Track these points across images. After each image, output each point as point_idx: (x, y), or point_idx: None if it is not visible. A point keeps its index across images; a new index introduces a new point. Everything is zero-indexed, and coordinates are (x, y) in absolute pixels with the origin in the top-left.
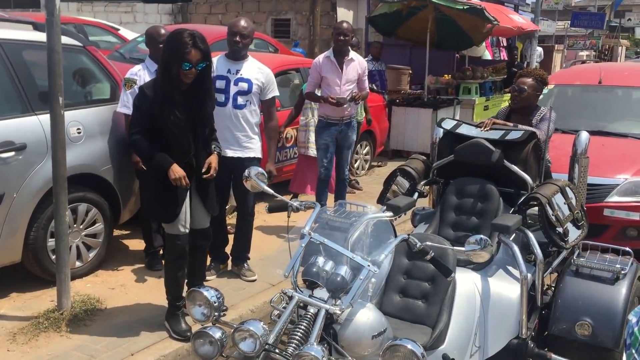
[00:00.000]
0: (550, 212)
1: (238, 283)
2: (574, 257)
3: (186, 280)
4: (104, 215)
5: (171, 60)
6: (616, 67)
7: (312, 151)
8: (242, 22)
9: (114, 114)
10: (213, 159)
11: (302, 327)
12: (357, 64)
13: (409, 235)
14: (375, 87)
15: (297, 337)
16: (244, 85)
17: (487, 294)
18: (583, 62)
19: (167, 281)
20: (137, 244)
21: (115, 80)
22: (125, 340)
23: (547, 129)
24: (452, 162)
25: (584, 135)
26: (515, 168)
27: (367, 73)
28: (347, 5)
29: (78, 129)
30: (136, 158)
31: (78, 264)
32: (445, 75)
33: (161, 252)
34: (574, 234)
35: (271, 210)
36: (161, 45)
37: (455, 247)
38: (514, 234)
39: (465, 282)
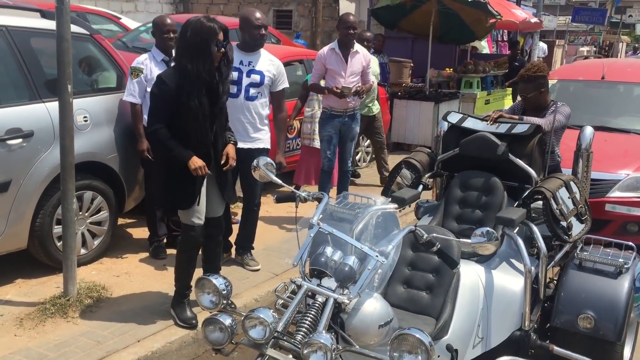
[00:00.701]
0: (554, 206)
1: (242, 272)
2: (578, 251)
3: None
4: (109, 204)
5: (204, 43)
6: (619, 63)
7: (318, 143)
8: (260, 14)
9: (120, 103)
10: (230, 150)
11: (311, 315)
12: (362, 56)
13: (415, 226)
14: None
15: (305, 325)
16: (256, 78)
17: (491, 286)
18: (586, 57)
19: (178, 270)
20: (141, 233)
21: (121, 69)
22: (131, 326)
23: (553, 120)
24: (457, 155)
25: (589, 130)
26: (519, 162)
27: (370, 66)
28: None
29: (85, 117)
30: (142, 146)
31: (83, 251)
32: (447, 69)
33: (165, 240)
34: (577, 228)
35: (279, 200)
36: (167, 35)
37: (461, 240)
38: (518, 227)
39: (469, 274)
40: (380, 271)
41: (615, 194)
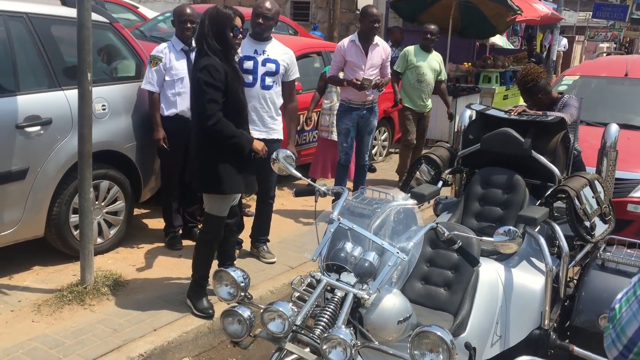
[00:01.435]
0: (578, 205)
1: (257, 264)
2: (600, 251)
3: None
4: (126, 193)
5: (224, 30)
6: None
7: (335, 135)
8: (267, 4)
9: (138, 91)
10: (258, 142)
11: (329, 310)
12: (382, 49)
13: (437, 224)
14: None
15: (324, 320)
16: (271, 66)
17: (510, 284)
18: (608, 54)
19: (197, 260)
20: (156, 223)
21: (140, 58)
22: (148, 315)
23: (576, 112)
24: (478, 151)
25: (614, 127)
26: (543, 159)
27: (390, 59)
28: None
29: (103, 105)
30: (158, 135)
31: (99, 240)
32: (465, 63)
33: (180, 232)
34: (600, 229)
35: (298, 194)
36: (185, 25)
37: (483, 238)
38: (539, 226)
39: (489, 271)
40: (400, 267)
41: (638, 194)
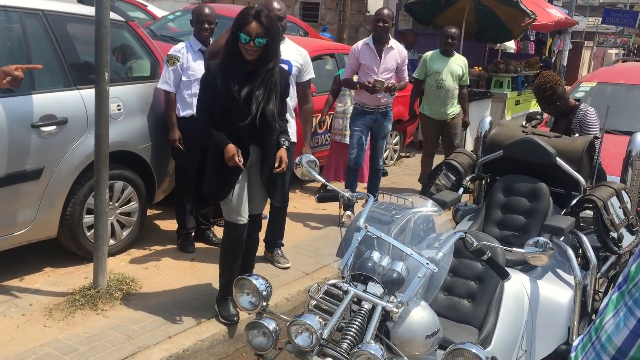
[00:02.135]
0: (605, 215)
1: (271, 270)
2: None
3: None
4: (139, 194)
5: (233, 33)
6: None
7: (349, 139)
8: (275, 4)
9: (154, 90)
10: (283, 154)
11: (357, 323)
12: (397, 52)
13: (465, 233)
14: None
15: (351, 333)
16: (284, 67)
17: (536, 297)
18: (624, 60)
19: (221, 266)
20: (168, 225)
21: (155, 57)
22: (162, 322)
23: (597, 127)
24: (500, 158)
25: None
26: (568, 168)
27: (406, 62)
28: None
29: (118, 105)
30: (174, 136)
31: (112, 242)
32: (476, 67)
33: (193, 234)
34: (628, 240)
35: (321, 199)
36: (203, 25)
37: (514, 249)
38: (564, 237)
39: (514, 283)
40: (426, 279)
41: None
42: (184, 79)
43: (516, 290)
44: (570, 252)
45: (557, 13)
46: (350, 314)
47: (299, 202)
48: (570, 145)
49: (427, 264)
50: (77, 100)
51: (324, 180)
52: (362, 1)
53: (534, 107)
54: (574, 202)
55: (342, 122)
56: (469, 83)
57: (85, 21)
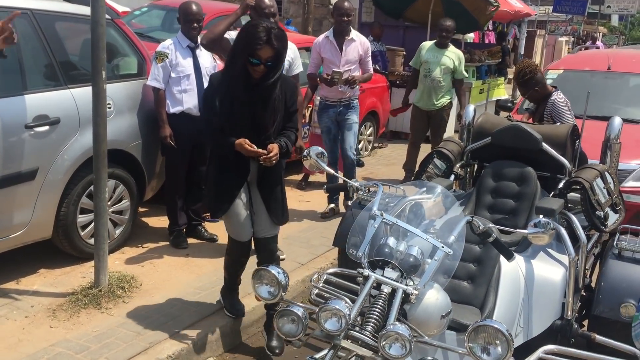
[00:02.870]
0: (592, 196)
1: None
2: (616, 241)
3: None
4: (131, 192)
5: (240, 53)
6: (624, 54)
7: None
8: (266, 1)
9: (143, 88)
10: (275, 148)
11: (379, 306)
12: (359, 44)
13: (472, 217)
14: (378, 68)
15: (374, 316)
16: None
17: (531, 276)
18: (586, 48)
19: (225, 271)
20: (156, 222)
21: (142, 55)
22: (168, 317)
23: (569, 113)
24: (488, 144)
25: (617, 120)
26: (554, 152)
27: (369, 54)
28: None
29: (108, 104)
30: (165, 132)
31: None
32: None
33: (185, 230)
34: (612, 218)
35: (329, 190)
36: (189, 24)
37: (517, 230)
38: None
39: (510, 264)
40: (447, 262)
41: (629, 183)
42: (173, 75)
43: (512, 271)
44: (563, 231)
45: (516, 3)
46: (370, 299)
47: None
48: (554, 130)
49: (442, 247)
50: (68, 99)
51: (333, 172)
52: None
53: (497, 95)
54: (561, 184)
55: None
56: (466, 76)
57: (73, 20)
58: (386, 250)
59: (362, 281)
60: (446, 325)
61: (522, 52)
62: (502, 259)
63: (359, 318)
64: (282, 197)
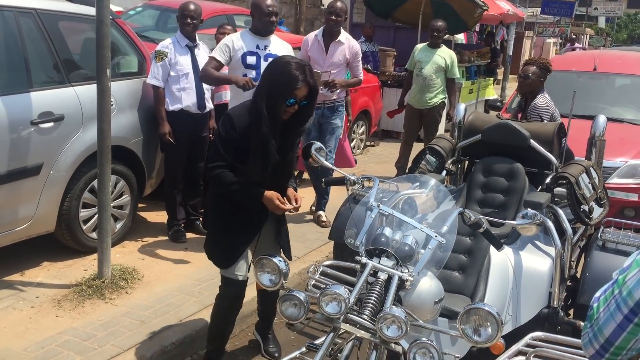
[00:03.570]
0: (577, 190)
1: None
2: (600, 233)
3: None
4: (131, 188)
5: (277, 95)
6: (610, 55)
7: None
8: (271, 1)
9: (143, 86)
10: (298, 197)
11: (376, 291)
12: (347, 47)
13: (463, 209)
14: (370, 68)
15: (371, 301)
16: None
17: (519, 266)
18: (573, 49)
19: (212, 328)
20: (154, 217)
21: (142, 53)
22: (170, 307)
23: (555, 113)
24: (479, 141)
25: (602, 118)
26: (541, 149)
27: (359, 58)
28: None
29: (110, 101)
30: (164, 130)
31: None
32: None
33: (183, 225)
34: (597, 212)
35: (328, 183)
36: (185, 21)
37: (507, 221)
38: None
39: (499, 255)
40: (439, 253)
41: (613, 180)
42: (172, 74)
43: (502, 262)
44: (550, 223)
45: (505, 5)
46: (367, 286)
47: None
48: (542, 128)
49: (436, 236)
50: (72, 96)
51: (332, 166)
52: None
53: (487, 95)
54: (548, 179)
55: None
56: (458, 76)
57: (76, 19)
58: (382, 239)
59: (359, 268)
60: (439, 311)
61: (511, 54)
62: (492, 250)
63: (356, 304)
64: (287, 233)
